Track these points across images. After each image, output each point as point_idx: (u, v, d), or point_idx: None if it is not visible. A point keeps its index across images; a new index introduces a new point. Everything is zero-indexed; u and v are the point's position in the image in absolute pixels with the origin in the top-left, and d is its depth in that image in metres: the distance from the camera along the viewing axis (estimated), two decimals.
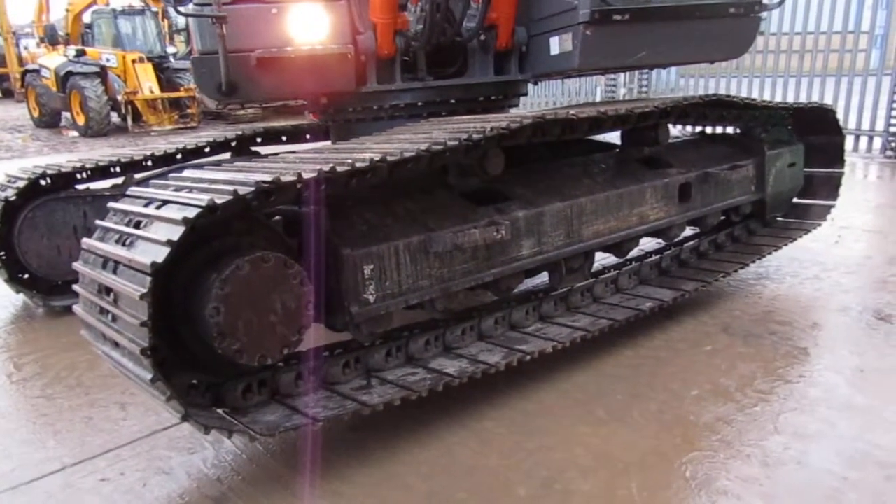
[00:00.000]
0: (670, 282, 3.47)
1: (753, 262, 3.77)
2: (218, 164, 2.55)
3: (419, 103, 3.53)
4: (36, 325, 3.86)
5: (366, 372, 2.49)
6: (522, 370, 2.75)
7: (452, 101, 3.59)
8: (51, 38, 15.85)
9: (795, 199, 4.14)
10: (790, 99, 8.79)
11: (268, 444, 2.45)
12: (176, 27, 17.17)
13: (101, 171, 4.04)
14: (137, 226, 1.95)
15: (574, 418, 2.56)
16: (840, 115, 4.60)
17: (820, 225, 4.07)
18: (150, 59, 14.75)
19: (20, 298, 4.11)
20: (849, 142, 7.59)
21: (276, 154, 3.07)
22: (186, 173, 2.29)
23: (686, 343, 3.18)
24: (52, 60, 14.91)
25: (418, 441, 2.44)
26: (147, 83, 14.20)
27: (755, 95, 9.00)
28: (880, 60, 8.36)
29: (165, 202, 1.96)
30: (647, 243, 3.74)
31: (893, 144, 8.00)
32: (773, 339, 3.18)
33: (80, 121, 13.93)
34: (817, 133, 4.03)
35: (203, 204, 1.78)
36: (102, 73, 14.09)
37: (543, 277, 3.10)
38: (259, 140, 4.61)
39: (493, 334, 2.82)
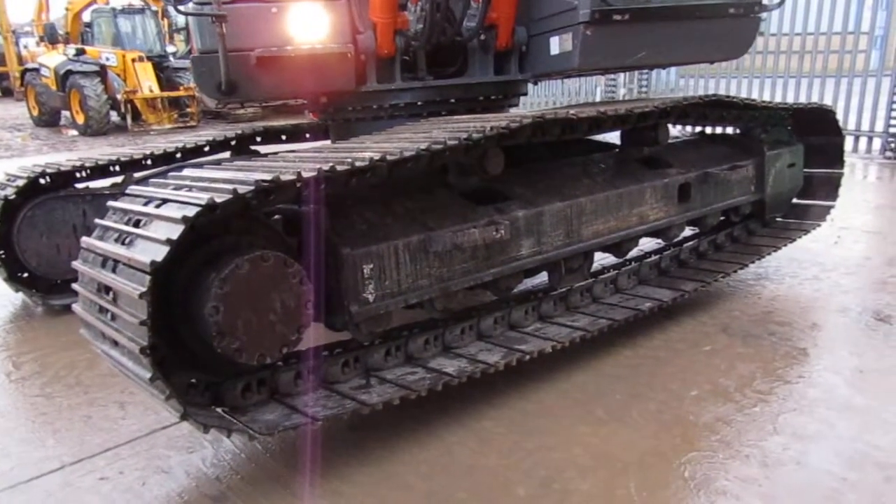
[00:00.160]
0: (670, 282, 3.47)
1: (753, 262, 3.77)
2: (218, 163, 2.55)
3: (419, 103, 3.53)
4: (35, 324, 3.86)
5: (365, 371, 2.49)
6: (522, 370, 2.75)
7: (452, 100, 3.59)
8: (50, 37, 15.85)
9: (795, 200, 4.14)
10: (790, 99, 8.79)
11: (267, 444, 2.45)
12: (176, 26, 17.16)
13: (100, 170, 4.04)
14: (137, 224, 1.95)
15: (573, 418, 2.56)
16: (840, 116, 4.60)
17: (819, 225, 4.07)
18: (149, 58, 14.75)
19: (19, 297, 4.11)
20: (848, 142, 7.59)
21: (275, 153, 3.06)
22: (186, 172, 2.29)
23: (685, 343, 3.18)
24: (52, 59, 14.89)
25: (418, 440, 2.44)
26: (147, 82, 14.19)
27: (755, 96, 9.00)
28: (880, 61, 8.36)
29: (165, 201, 1.96)
30: (647, 243, 3.74)
31: (893, 145, 8.01)
32: (772, 339, 3.18)
33: (80, 120, 13.92)
34: (817, 133, 4.03)
35: (202, 203, 1.78)
36: (102, 72, 14.08)
37: (543, 277, 3.10)
38: (259, 139, 4.61)
39: (493, 334, 2.82)
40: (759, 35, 3.85)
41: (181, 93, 14.46)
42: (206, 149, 4.37)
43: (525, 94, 3.96)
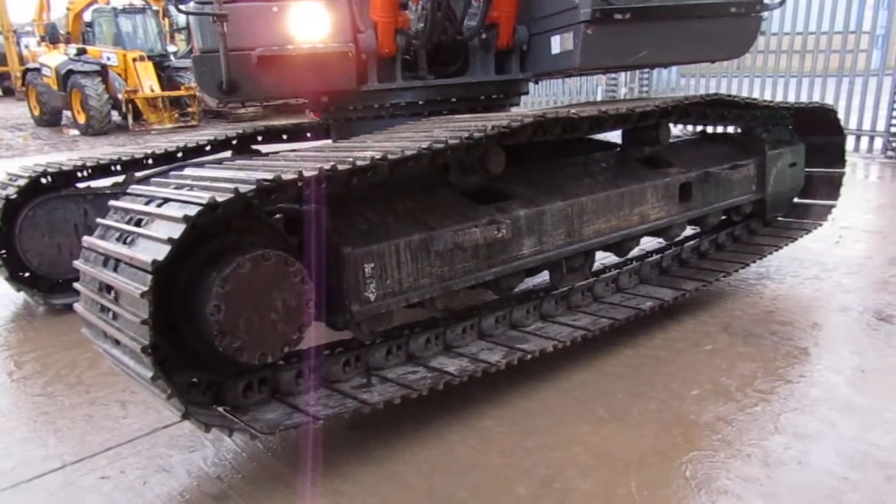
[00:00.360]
0: (671, 281, 3.47)
1: (754, 261, 3.77)
2: (219, 162, 2.55)
3: (420, 102, 3.53)
4: (36, 324, 3.87)
5: (366, 370, 2.50)
6: (523, 369, 2.75)
7: (453, 99, 3.59)
8: (51, 37, 15.87)
9: (796, 199, 4.14)
10: (791, 99, 8.79)
11: (268, 443, 2.45)
12: (177, 26, 17.19)
13: (101, 170, 4.05)
14: (138, 224, 1.95)
15: (574, 417, 2.56)
16: (841, 116, 4.59)
17: (821, 225, 4.07)
18: (150, 58, 14.77)
19: (21, 297, 4.12)
20: (849, 142, 7.58)
21: (277, 152, 3.06)
22: (187, 171, 2.29)
23: (686, 342, 3.18)
24: (53, 59, 14.91)
25: (419, 439, 2.44)
26: (148, 82, 14.21)
27: (756, 95, 8.99)
28: (881, 61, 8.38)
29: (166, 200, 1.96)
30: (648, 243, 3.74)
31: (894, 145, 8.00)
32: (773, 338, 3.18)
33: (81, 119, 13.94)
34: (818, 133, 4.02)
35: (204, 202, 1.78)
36: (103, 72, 14.11)
37: (544, 276, 3.10)
38: (260, 138, 4.61)
39: (494, 333, 2.82)
40: (760, 34, 3.84)
41: (182, 92, 14.47)
42: (208, 148, 4.37)
43: (526, 93, 3.97)
